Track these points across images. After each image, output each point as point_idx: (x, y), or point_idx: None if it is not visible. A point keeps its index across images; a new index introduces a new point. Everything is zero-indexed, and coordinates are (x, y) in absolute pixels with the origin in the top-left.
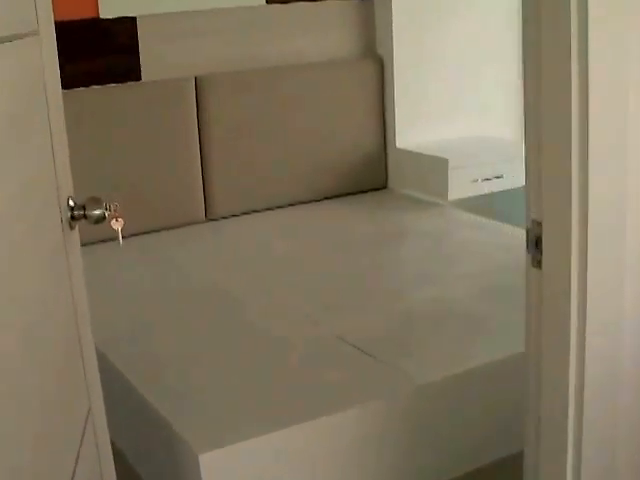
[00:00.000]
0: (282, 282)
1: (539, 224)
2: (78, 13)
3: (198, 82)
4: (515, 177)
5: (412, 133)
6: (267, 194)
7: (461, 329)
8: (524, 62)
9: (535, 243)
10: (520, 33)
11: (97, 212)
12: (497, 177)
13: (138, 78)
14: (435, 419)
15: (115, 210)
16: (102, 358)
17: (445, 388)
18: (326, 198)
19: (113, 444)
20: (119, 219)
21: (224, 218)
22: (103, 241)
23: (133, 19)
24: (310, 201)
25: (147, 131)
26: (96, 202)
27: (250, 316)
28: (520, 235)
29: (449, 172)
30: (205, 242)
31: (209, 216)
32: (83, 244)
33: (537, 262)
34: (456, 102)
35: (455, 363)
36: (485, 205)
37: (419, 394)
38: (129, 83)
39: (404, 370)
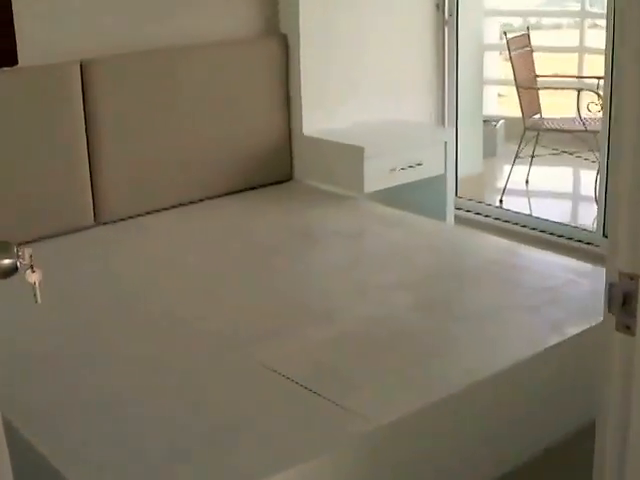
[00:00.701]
0: (186, 298)
1: (631, 278)
2: None
3: (84, 67)
4: (435, 164)
5: (320, 118)
6: (164, 192)
7: (410, 353)
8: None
9: (622, 302)
10: (436, 14)
11: (6, 262)
12: (417, 165)
13: (14, 63)
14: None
15: (30, 258)
16: None
17: (407, 426)
18: (227, 194)
19: None
20: (35, 270)
21: (114, 222)
22: None
23: None
24: (210, 197)
25: (25, 124)
26: (4, 248)
27: (149, 343)
28: (445, 232)
29: (365, 162)
30: (93, 251)
31: (99, 219)
32: None
33: (625, 326)
34: (367, 84)
35: (414, 395)
36: (403, 196)
37: (376, 439)
38: (3, 69)
39: (352, 409)
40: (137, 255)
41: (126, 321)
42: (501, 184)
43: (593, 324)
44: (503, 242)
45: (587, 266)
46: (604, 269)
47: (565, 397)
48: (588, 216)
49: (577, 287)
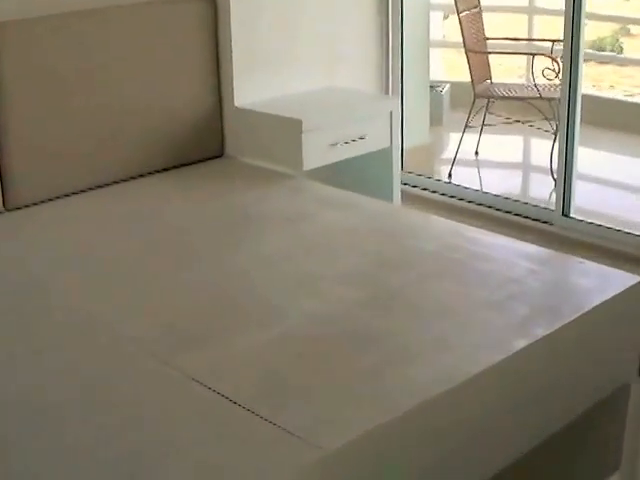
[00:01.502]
0: (97, 295)
1: None
2: None
3: None
4: (380, 136)
5: (253, 88)
6: (80, 172)
7: (361, 361)
8: None
9: None
10: None
11: None
12: (360, 138)
13: None
14: None
15: None
16: None
17: (357, 452)
18: (150, 173)
19: None
20: None
21: (27, 207)
22: None
23: None
24: (132, 177)
25: None
26: None
27: (48, 347)
28: (394, 214)
29: (303, 136)
30: (2, 242)
31: (8, 205)
32: None
33: None
34: (305, 50)
35: (365, 413)
36: (346, 173)
37: (322, 468)
38: None
39: (293, 431)
40: (46, 245)
41: (25, 322)
42: (449, 155)
43: (563, 323)
44: (456, 225)
45: (547, 252)
46: (566, 256)
47: (535, 408)
48: (542, 190)
49: (539, 277)
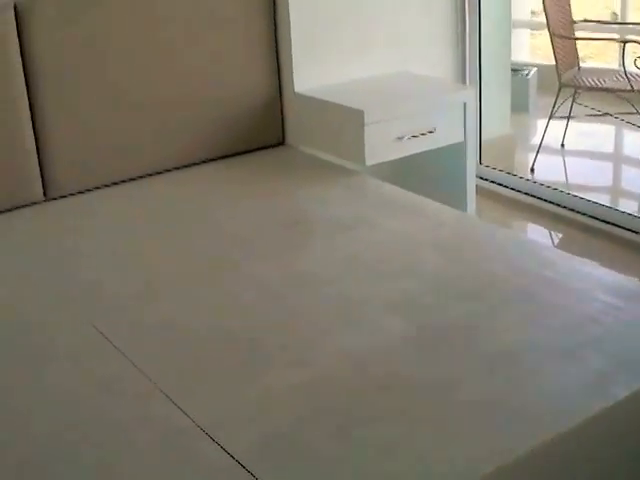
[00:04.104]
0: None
1: None
2: None
3: (19, 12)
4: (452, 130)
5: (315, 73)
6: (126, 160)
7: (412, 416)
8: None
9: None
10: None
11: None
12: (430, 132)
13: None
14: None
15: None
16: None
17: None
18: (204, 161)
19: None
20: None
21: (70, 196)
22: None
23: None
24: (185, 166)
25: None
26: None
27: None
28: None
29: (366, 128)
30: (43, 230)
31: (49, 194)
32: None
33: None
34: (372, 32)
35: None
36: (414, 168)
37: None
38: None
39: None
40: (88, 239)
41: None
42: (533, 146)
43: None
44: (530, 244)
45: (636, 284)
46: None
47: None
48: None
49: (623, 318)
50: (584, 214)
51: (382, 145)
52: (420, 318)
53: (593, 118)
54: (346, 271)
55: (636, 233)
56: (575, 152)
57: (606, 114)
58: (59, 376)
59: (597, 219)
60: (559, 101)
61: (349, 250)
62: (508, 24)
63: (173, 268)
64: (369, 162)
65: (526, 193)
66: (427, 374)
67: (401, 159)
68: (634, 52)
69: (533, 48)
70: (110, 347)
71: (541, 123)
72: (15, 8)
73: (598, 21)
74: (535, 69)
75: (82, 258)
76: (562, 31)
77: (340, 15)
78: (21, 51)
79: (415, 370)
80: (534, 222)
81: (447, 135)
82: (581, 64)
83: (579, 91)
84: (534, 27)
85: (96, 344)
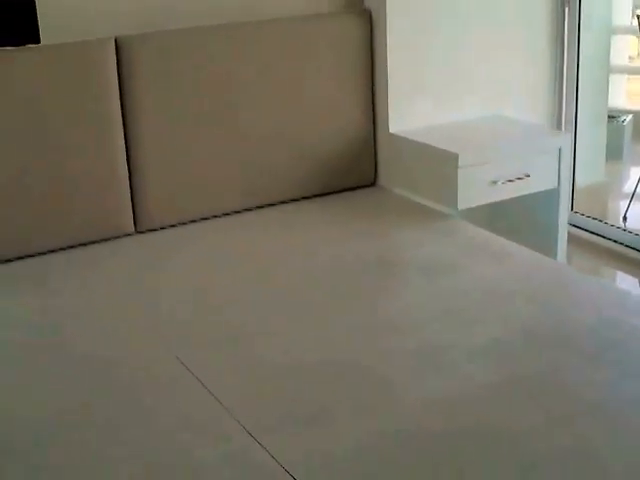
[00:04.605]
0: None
1: None
2: None
3: (120, 45)
4: (546, 175)
5: (410, 113)
6: (216, 196)
7: (500, 472)
8: None
9: None
10: None
11: None
12: (525, 176)
13: (35, 40)
14: None
15: None
16: None
17: None
18: (294, 200)
19: None
20: None
21: (160, 229)
22: None
23: None
24: (271, 204)
25: (50, 111)
26: None
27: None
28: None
29: (459, 172)
30: (132, 263)
31: (140, 227)
32: None
33: None
34: (468, 74)
35: None
36: (506, 213)
37: None
38: (22, 47)
39: None
40: (176, 272)
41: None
42: (627, 194)
43: None
44: (623, 294)
45: None
46: None
47: None
48: None
49: None
50: None
51: (475, 189)
52: (509, 366)
53: None
54: (435, 316)
55: None
56: None
57: None
58: (140, 409)
59: None
60: None
61: (438, 294)
62: (606, 70)
63: (259, 306)
64: (461, 206)
65: (618, 241)
66: (514, 422)
67: (492, 203)
68: None
69: (630, 94)
70: (193, 380)
71: (635, 171)
72: (116, 42)
73: None
74: (631, 116)
75: (170, 291)
76: None
77: (438, 57)
78: (119, 84)
79: (502, 418)
80: (625, 271)
81: (541, 181)
82: None
83: None
84: (631, 72)
85: (179, 377)
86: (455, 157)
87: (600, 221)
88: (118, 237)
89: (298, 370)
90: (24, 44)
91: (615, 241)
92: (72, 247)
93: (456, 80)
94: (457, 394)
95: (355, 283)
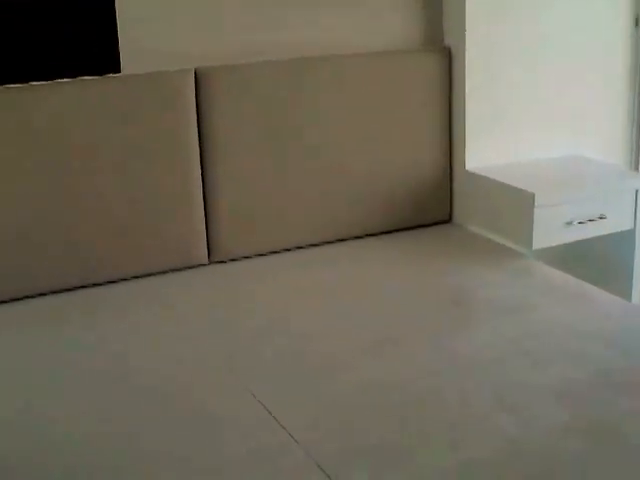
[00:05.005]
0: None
1: None
2: None
3: (199, 77)
4: (622, 217)
5: (487, 150)
6: (291, 229)
7: None
8: None
9: None
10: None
11: None
12: (600, 217)
13: (116, 70)
14: None
15: None
16: None
17: None
18: (368, 235)
19: None
20: None
21: (233, 261)
22: None
23: None
24: (346, 239)
25: (129, 140)
26: None
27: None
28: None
29: (535, 211)
30: (206, 293)
31: (213, 258)
32: None
33: None
34: (546, 112)
35: None
36: (581, 254)
37: None
38: (103, 77)
39: None
40: (249, 303)
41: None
42: None
43: None
44: None
45: None
46: None
47: None
48: None
49: None
50: None
51: (550, 229)
52: (582, 409)
53: None
54: (507, 355)
55: None
56: None
57: None
58: (213, 441)
59: None
60: None
61: (511, 334)
62: None
63: (331, 341)
64: (536, 246)
65: None
66: (588, 468)
67: (566, 243)
68: None
69: None
70: (266, 415)
71: None
72: (195, 73)
73: None
74: None
75: (244, 322)
76: None
77: (516, 94)
78: (197, 114)
79: (574, 463)
80: None
81: (616, 222)
82: None
83: None
84: None
85: (252, 411)
86: (531, 197)
87: None
88: (192, 267)
89: (375, 407)
90: (105, 74)
91: None
92: (147, 275)
93: (534, 117)
94: (526, 436)
95: (427, 319)
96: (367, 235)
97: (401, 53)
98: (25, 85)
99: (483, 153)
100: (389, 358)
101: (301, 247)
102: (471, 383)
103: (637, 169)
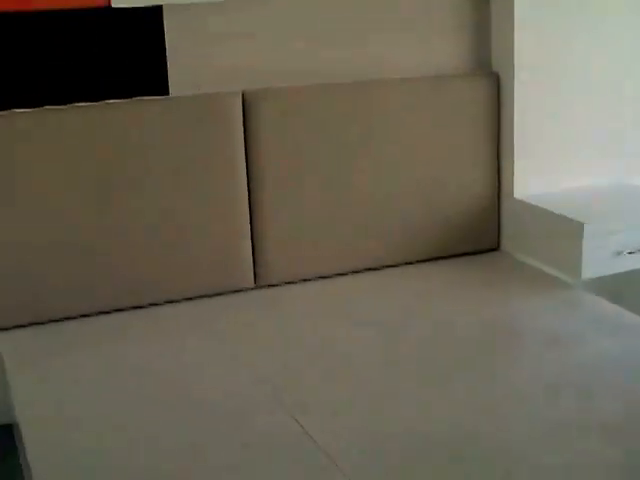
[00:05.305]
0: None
1: None
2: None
3: (247, 99)
4: None
5: (536, 178)
6: (335, 255)
7: None
8: None
9: None
10: None
11: None
12: None
13: (164, 92)
14: None
15: None
16: None
17: None
18: (414, 262)
19: None
20: None
21: (277, 286)
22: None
23: (158, 9)
24: (392, 266)
25: (176, 162)
26: None
27: None
28: None
29: (584, 241)
30: (251, 317)
31: (259, 282)
32: None
33: None
34: (597, 139)
35: None
36: (630, 284)
37: None
38: (152, 98)
39: None
40: (294, 328)
41: None
42: None
43: None
44: None
45: None
46: None
47: None
48: None
49: None
50: None
51: (599, 259)
52: (626, 445)
53: None
54: (554, 388)
55: None
56: None
57: None
58: (252, 466)
59: None
60: None
61: (558, 367)
62: None
63: (380, 371)
64: (585, 276)
65: None
66: None
67: (616, 273)
68: None
69: None
70: (311, 443)
71: None
72: (242, 95)
73: None
74: None
75: (288, 347)
76: None
77: (565, 121)
78: (244, 137)
79: None
80: None
81: None
82: None
83: None
84: None
85: (294, 436)
86: (581, 226)
87: None
88: (238, 291)
89: (412, 438)
90: (153, 95)
91: None
92: (195, 298)
93: (582, 145)
94: (574, 475)
95: (472, 349)
96: (414, 262)
97: (449, 78)
98: (90, 104)
99: (531, 180)
100: (434, 388)
101: (344, 274)
102: (518, 414)
103: None
